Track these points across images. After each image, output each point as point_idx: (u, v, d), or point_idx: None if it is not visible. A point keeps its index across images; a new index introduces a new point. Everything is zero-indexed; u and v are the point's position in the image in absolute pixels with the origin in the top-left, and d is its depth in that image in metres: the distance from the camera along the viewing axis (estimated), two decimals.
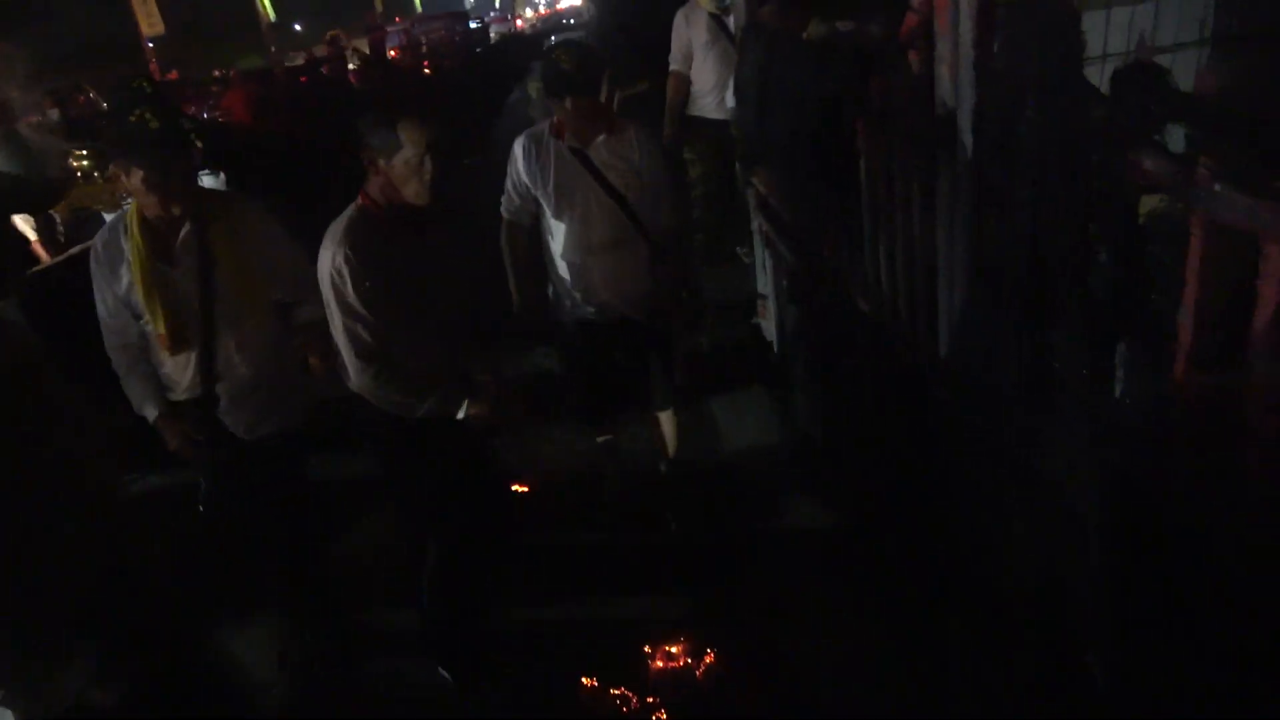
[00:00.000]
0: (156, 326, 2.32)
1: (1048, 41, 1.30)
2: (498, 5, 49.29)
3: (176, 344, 2.34)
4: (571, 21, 32.30)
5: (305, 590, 2.86)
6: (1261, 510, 1.10)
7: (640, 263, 2.88)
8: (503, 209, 2.98)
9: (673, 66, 5.06)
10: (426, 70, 15.40)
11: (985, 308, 1.53)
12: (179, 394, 2.44)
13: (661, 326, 3.04)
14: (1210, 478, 1.13)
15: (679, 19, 4.97)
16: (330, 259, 2.14)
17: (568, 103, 2.67)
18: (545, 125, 2.83)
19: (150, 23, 19.99)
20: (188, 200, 2.30)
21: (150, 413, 2.42)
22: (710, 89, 4.95)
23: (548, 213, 2.85)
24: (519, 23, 34.76)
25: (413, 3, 46.64)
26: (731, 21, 4.62)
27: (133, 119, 2.21)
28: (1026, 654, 1.50)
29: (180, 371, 2.41)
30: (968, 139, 1.66)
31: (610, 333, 2.98)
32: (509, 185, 2.93)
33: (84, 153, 2.97)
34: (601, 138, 2.75)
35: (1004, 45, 1.43)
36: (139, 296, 2.30)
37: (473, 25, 24.43)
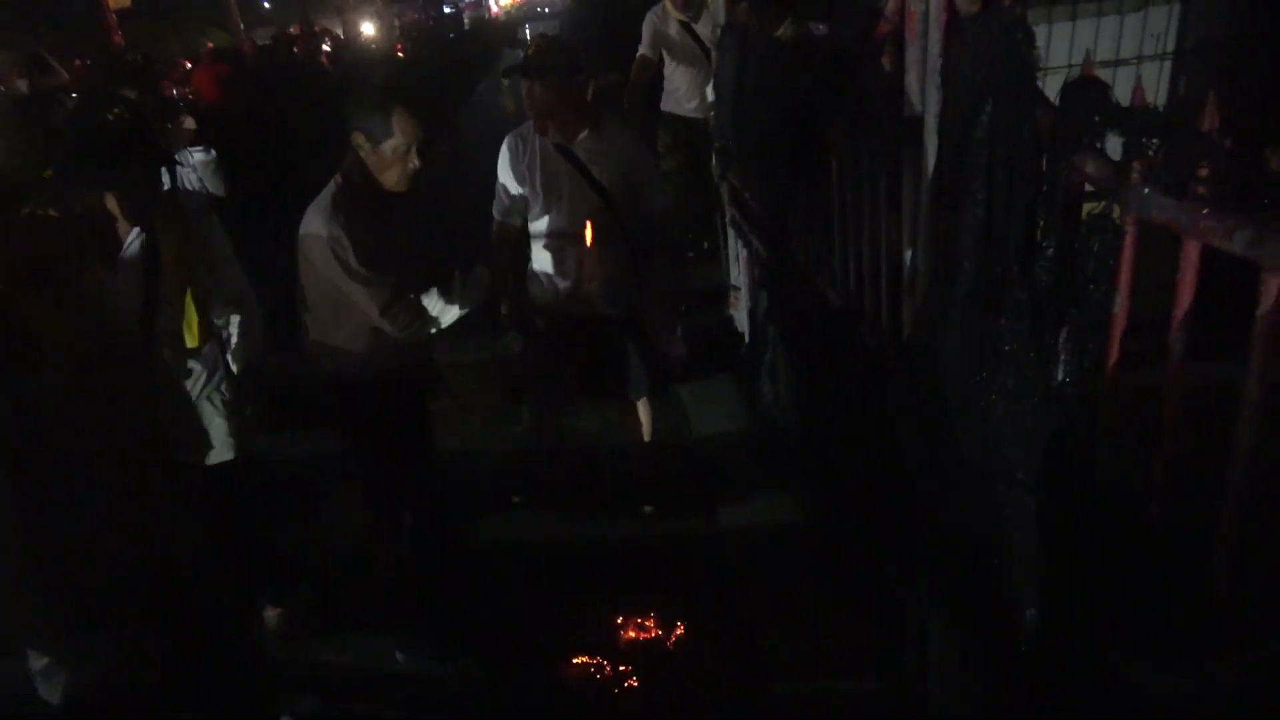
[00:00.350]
0: None
1: (1004, 53, 1.42)
2: None
3: None
4: (546, 10, 32.21)
5: (282, 584, 2.93)
6: (1176, 477, 1.24)
7: (623, 256, 2.97)
8: (494, 210, 3.05)
9: (642, 50, 5.08)
10: (400, 54, 15.33)
11: (943, 297, 1.66)
12: None
13: (641, 317, 3.13)
14: (1136, 450, 1.27)
15: (650, 18, 5.02)
16: (326, 234, 2.21)
17: (524, 86, 2.77)
18: (530, 123, 2.91)
19: None
20: (146, 210, 2.26)
21: None
22: (683, 91, 5.03)
23: (534, 208, 2.92)
24: (494, 8, 34.56)
25: None
26: (702, 26, 4.70)
27: (109, 118, 2.11)
28: (975, 615, 1.64)
29: None
30: (932, 141, 1.79)
31: (590, 324, 3.06)
32: (499, 186, 3.00)
33: None
34: (585, 133, 2.83)
35: (966, 55, 1.55)
36: None
37: (446, 10, 24.30)
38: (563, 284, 2.97)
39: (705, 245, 5.46)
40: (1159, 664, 1.09)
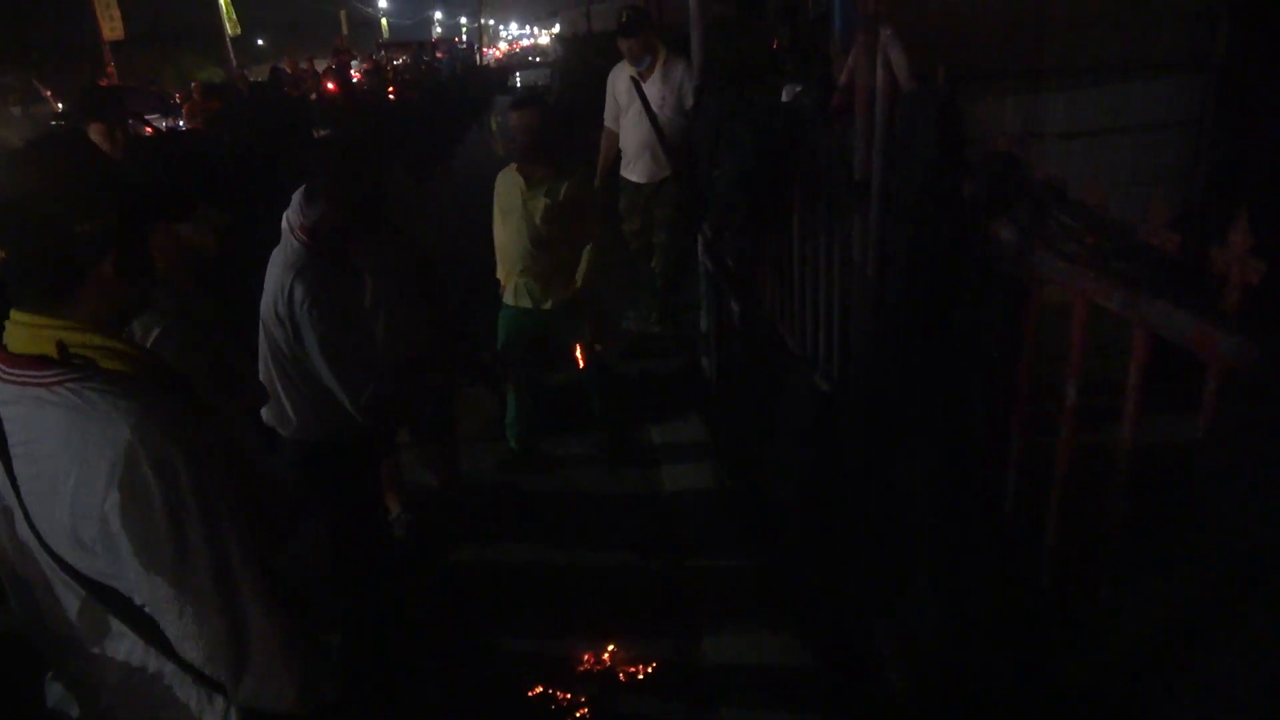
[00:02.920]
0: None
1: (935, 127, 1.59)
2: (464, 36, 49.81)
3: None
4: (537, 59, 32.92)
5: None
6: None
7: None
8: None
9: (606, 123, 5.09)
10: (391, 97, 15.62)
11: (881, 345, 1.81)
12: None
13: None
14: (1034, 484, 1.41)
15: (611, 77, 4.97)
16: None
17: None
18: None
19: (111, 26, 19.83)
20: None
21: None
22: (631, 151, 4.93)
23: None
24: (493, 55, 35.26)
25: (380, 26, 46.74)
26: (651, 85, 4.67)
27: None
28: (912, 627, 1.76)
29: None
30: (877, 204, 1.96)
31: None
32: None
33: None
34: None
35: (904, 128, 1.72)
36: None
37: (439, 56, 24.81)
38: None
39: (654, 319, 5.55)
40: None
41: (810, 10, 5.20)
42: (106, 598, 1.23)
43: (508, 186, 3.57)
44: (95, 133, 3.25)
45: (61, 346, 1.19)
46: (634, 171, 4.96)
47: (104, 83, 16.82)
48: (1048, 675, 1.25)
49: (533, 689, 2.77)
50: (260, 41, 32.43)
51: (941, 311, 1.52)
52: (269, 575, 1.30)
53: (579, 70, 13.42)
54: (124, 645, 1.28)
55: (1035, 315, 1.39)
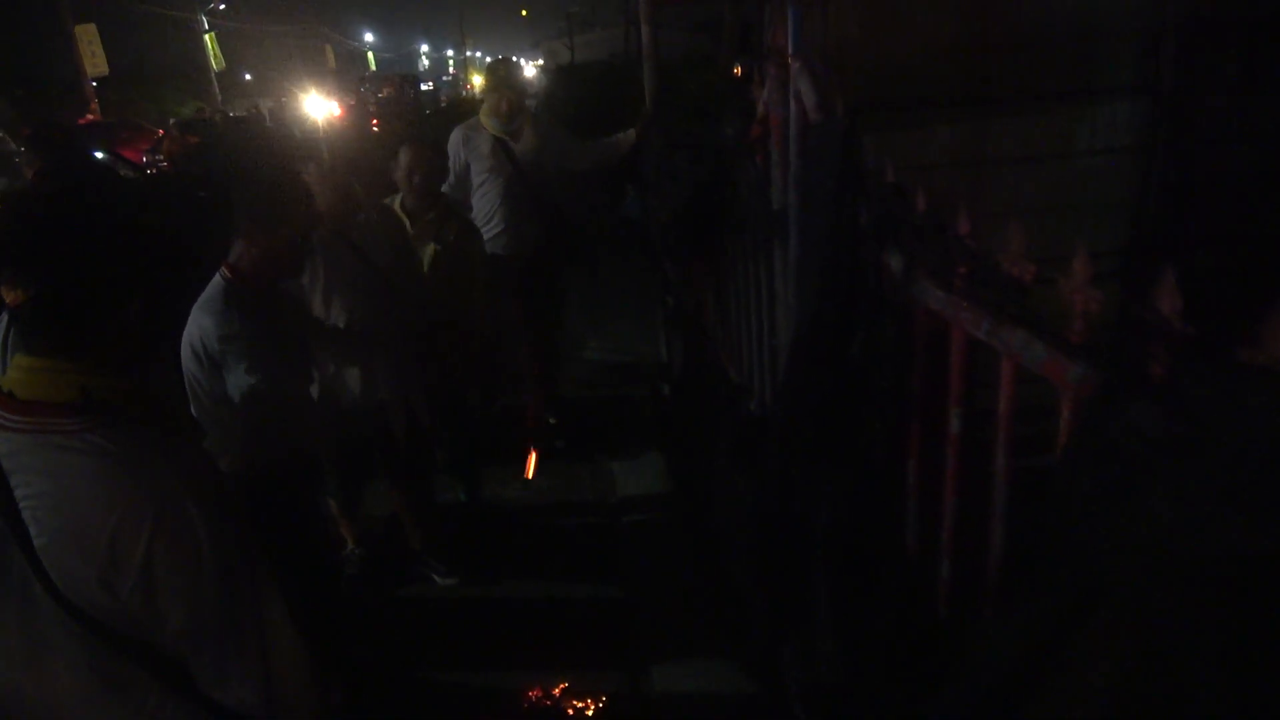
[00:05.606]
0: None
1: (834, 157, 1.61)
2: (451, 69, 50.26)
3: None
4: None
5: None
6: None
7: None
8: None
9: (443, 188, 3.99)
10: (375, 128, 15.74)
11: (795, 370, 1.82)
12: None
13: None
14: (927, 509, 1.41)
15: (456, 138, 4.14)
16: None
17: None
18: None
19: (94, 63, 19.99)
20: None
21: None
22: (492, 219, 4.11)
23: None
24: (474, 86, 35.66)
25: (366, 60, 47.11)
26: (523, 144, 4.10)
27: None
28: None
29: None
30: (794, 233, 1.98)
31: None
32: None
33: None
34: None
35: (810, 159, 1.74)
36: None
37: (423, 87, 25.07)
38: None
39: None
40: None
41: (764, 41, 5.25)
42: (125, 648, 1.18)
43: (393, 223, 3.23)
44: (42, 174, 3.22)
45: (85, 392, 1.14)
46: (498, 244, 4.09)
47: (86, 119, 16.91)
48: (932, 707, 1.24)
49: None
50: (248, 76, 32.64)
51: (843, 340, 1.52)
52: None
53: (563, 100, 13.49)
54: (135, 696, 1.23)
55: (922, 343, 1.39)
